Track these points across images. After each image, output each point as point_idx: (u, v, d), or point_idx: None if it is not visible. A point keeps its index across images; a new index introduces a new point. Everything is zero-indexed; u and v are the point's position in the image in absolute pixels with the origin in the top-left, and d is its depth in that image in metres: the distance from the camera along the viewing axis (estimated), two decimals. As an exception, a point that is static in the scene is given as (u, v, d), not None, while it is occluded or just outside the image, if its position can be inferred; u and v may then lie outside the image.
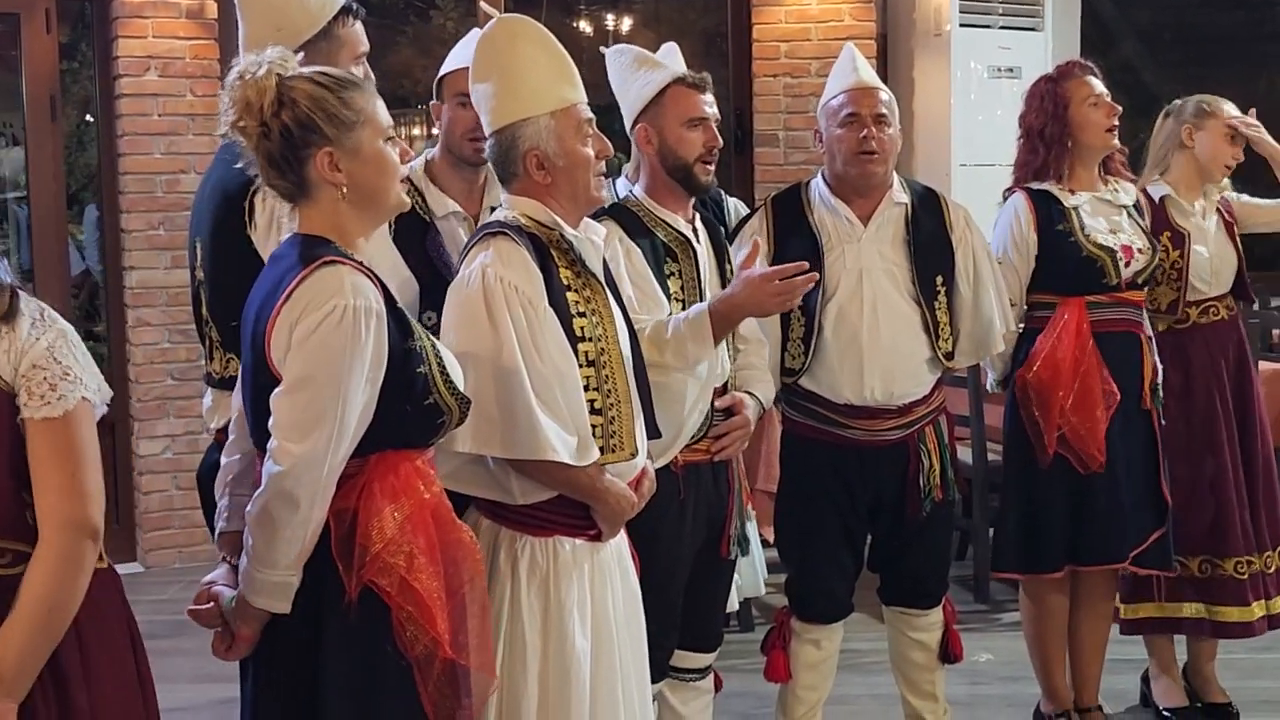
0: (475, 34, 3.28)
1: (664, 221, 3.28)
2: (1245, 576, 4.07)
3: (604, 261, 2.91)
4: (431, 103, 3.32)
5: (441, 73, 3.27)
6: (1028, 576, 4.01)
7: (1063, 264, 3.83)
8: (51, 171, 6.31)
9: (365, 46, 3.14)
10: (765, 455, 4.81)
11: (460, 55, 3.24)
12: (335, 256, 2.29)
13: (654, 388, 2.97)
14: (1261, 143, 4.15)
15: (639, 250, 3.21)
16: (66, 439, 2.10)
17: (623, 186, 3.48)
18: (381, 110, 2.40)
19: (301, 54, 2.84)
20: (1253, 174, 4.28)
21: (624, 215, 3.25)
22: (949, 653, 3.77)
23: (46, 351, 2.12)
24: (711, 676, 3.52)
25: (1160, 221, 4.04)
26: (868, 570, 3.77)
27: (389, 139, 2.40)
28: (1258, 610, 4.10)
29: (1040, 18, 6.88)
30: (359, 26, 3.13)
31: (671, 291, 3.24)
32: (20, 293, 2.15)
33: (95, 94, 6.48)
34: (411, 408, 2.34)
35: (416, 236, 3.07)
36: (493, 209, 3.22)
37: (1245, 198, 4.28)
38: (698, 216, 3.40)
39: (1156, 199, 4.07)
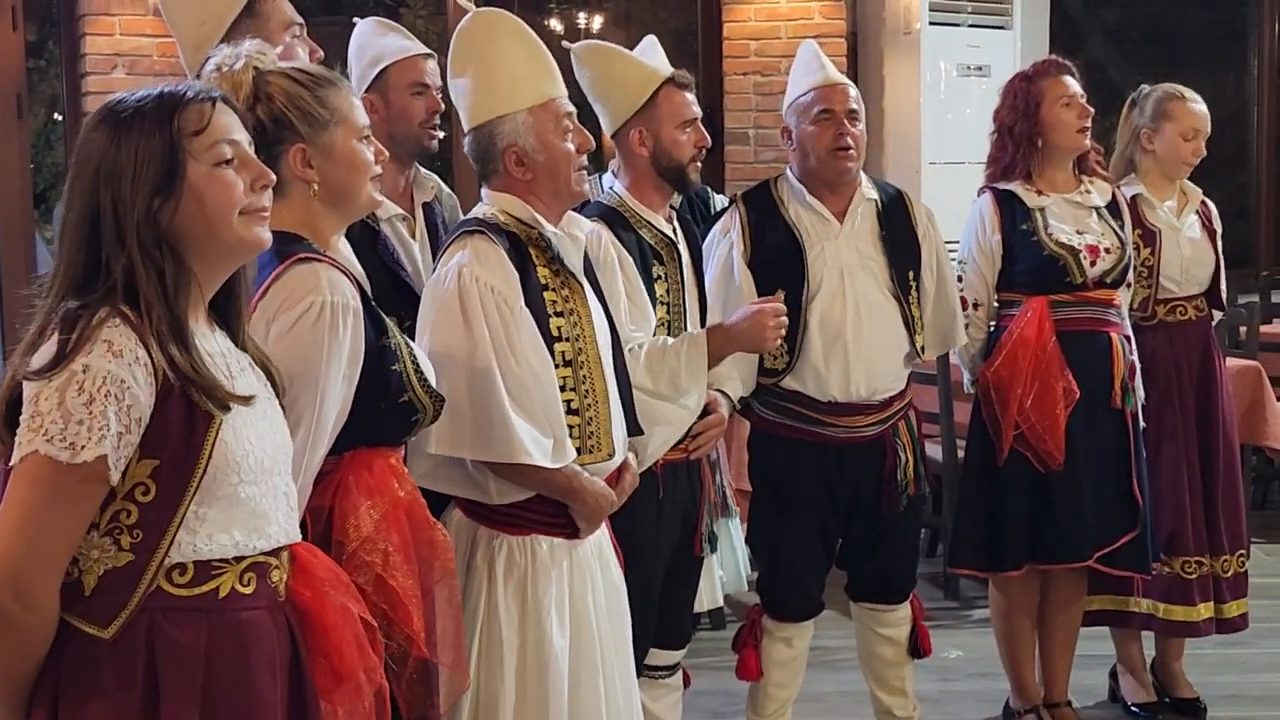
0: (370, 24, 3.22)
1: (649, 223, 3.27)
2: (1194, 576, 4.07)
3: (586, 258, 2.90)
4: (363, 96, 3.03)
5: (383, 64, 3.16)
6: (986, 574, 4.02)
7: (1026, 263, 3.85)
8: (18, 170, 6.24)
9: (297, 18, 3.01)
10: (735, 454, 4.82)
11: (382, 45, 3.17)
12: (310, 254, 2.27)
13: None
14: None
15: (630, 259, 3.18)
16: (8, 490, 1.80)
17: (609, 181, 3.45)
18: (357, 109, 2.38)
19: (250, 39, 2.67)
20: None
21: (612, 216, 3.22)
22: (918, 648, 3.78)
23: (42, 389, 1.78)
24: (681, 674, 3.52)
25: (1132, 220, 4.05)
26: (836, 567, 3.78)
27: (364, 138, 2.37)
28: (1204, 611, 4.09)
29: (1009, 16, 6.90)
30: None
31: (658, 295, 3.23)
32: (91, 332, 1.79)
33: (62, 92, 6.43)
34: (386, 405, 2.33)
35: (367, 244, 2.96)
36: (425, 205, 3.21)
37: None
38: (674, 216, 3.39)
39: (1129, 197, 4.08)
